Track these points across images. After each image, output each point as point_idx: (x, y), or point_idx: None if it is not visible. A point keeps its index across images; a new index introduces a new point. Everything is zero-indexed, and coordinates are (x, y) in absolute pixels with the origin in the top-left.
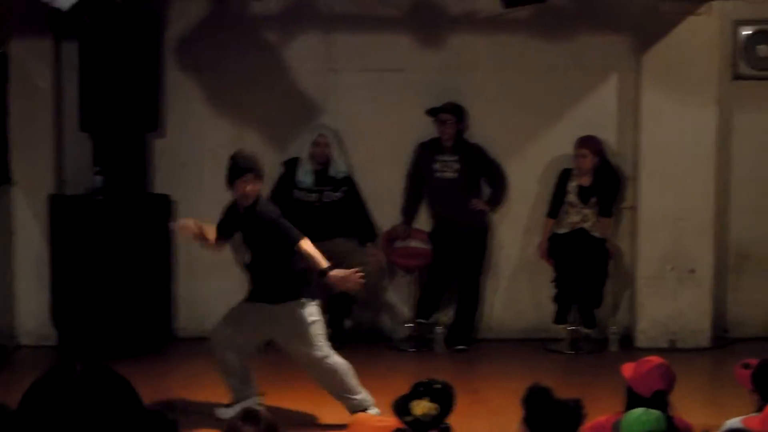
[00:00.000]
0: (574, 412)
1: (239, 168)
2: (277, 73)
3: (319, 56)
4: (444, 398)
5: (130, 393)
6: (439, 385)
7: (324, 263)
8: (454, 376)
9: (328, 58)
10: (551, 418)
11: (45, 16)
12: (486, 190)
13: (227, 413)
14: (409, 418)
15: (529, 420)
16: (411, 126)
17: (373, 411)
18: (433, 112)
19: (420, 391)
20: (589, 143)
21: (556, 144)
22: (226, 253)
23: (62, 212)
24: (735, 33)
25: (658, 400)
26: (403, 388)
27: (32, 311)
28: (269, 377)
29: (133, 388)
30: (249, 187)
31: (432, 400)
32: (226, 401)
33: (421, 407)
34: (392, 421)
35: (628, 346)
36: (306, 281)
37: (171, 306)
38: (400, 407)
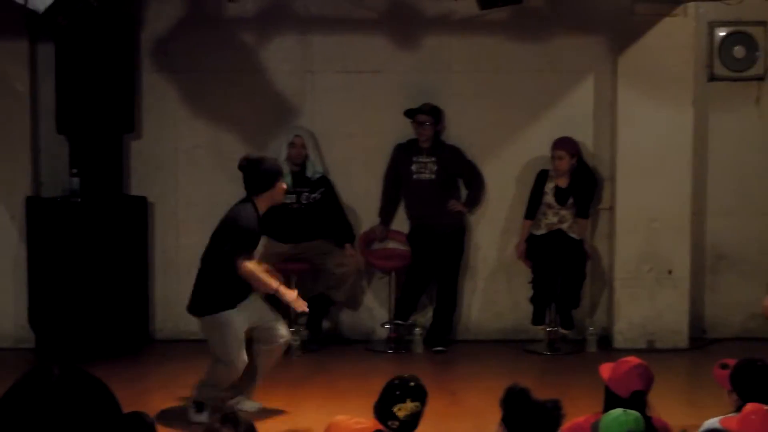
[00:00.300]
0: (552, 412)
1: (275, 172)
2: (253, 74)
3: (295, 58)
4: (421, 394)
5: (107, 396)
6: (413, 383)
7: None
8: (432, 377)
9: (304, 59)
10: (530, 419)
11: (20, 17)
12: (463, 192)
13: (200, 417)
14: (396, 423)
15: (507, 421)
16: (388, 127)
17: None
18: (410, 114)
19: (398, 394)
20: (565, 145)
21: (533, 145)
22: None
23: (39, 215)
24: (710, 34)
25: (637, 401)
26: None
27: (9, 314)
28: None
29: (110, 391)
30: (285, 186)
31: (413, 400)
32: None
33: (405, 409)
34: (370, 423)
35: (606, 346)
36: None
37: (148, 308)
38: (384, 413)
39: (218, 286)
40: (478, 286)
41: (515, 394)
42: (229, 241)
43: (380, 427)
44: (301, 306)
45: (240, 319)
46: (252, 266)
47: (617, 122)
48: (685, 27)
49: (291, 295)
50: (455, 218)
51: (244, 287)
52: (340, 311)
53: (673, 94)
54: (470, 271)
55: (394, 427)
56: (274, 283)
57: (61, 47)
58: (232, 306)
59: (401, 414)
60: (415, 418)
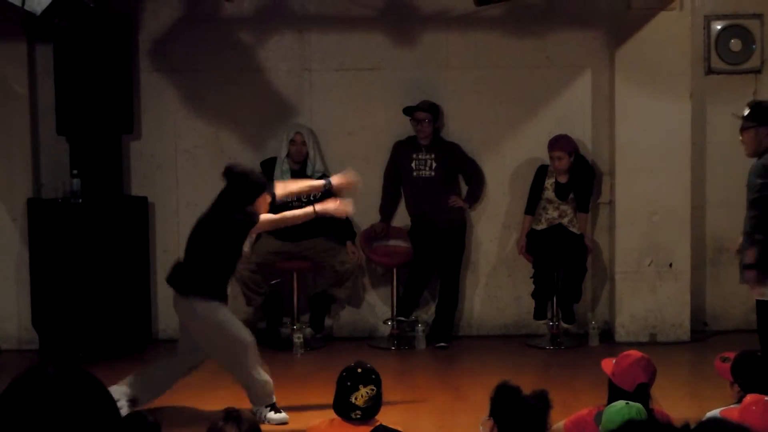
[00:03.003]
0: (543, 411)
1: (262, 184)
2: (251, 73)
3: (293, 56)
4: (371, 377)
5: (103, 394)
6: (360, 369)
7: None
8: (435, 373)
9: (302, 57)
10: (518, 418)
11: (18, 19)
12: (463, 188)
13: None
14: (358, 413)
15: (495, 416)
16: (386, 124)
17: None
18: (408, 111)
19: (349, 385)
20: (562, 145)
21: (532, 140)
22: None
23: (40, 216)
24: (707, 28)
25: (641, 394)
26: (385, 386)
27: (12, 315)
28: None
29: (106, 389)
30: (269, 200)
31: (365, 385)
32: (205, 404)
33: (362, 396)
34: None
35: (608, 340)
36: None
37: (151, 308)
38: (344, 407)
39: (212, 271)
40: (479, 281)
41: (505, 391)
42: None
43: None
44: (345, 209)
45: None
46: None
47: (615, 117)
48: (681, 21)
49: (331, 205)
50: (456, 214)
51: (225, 282)
52: (342, 309)
53: (670, 87)
54: (472, 267)
55: (358, 416)
56: (308, 209)
57: (60, 48)
58: (223, 300)
59: (360, 402)
60: (374, 401)
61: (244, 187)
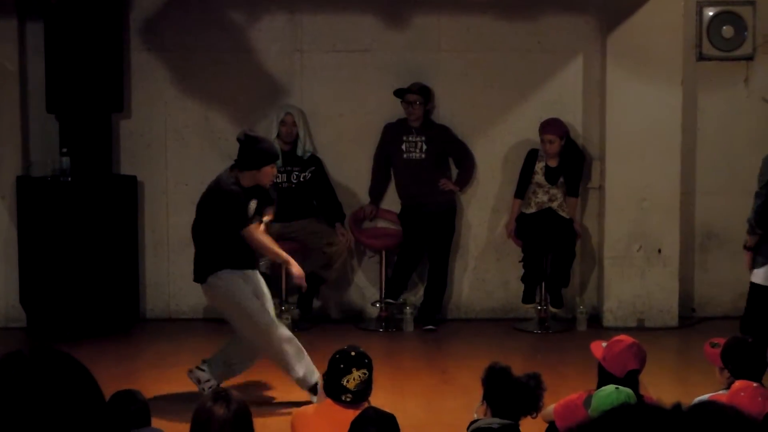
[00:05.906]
0: (534, 391)
1: (268, 154)
2: (243, 54)
3: (285, 37)
4: (364, 361)
5: (82, 374)
6: (353, 352)
7: None
8: (422, 355)
9: (294, 38)
10: (511, 397)
11: None
12: (453, 171)
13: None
14: (349, 396)
15: (489, 398)
16: (378, 107)
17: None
18: (399, 93)
19: (342, 367)
20: (555, 128)
21: (523, 124)
22: None
23: (29, 194)
24: (699, 14)
25: (630, 380)
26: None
27: (0, 293)
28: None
29: (86, 369)
30: (273, 172)
31: (358, 368)
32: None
33: (353, 379)
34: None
35: (596, 325)
36: None
37: (138, 287)
38: (334, 389)
39: (214, 251)
40: (468, 265)
41: (496, 372)
42: (220, 212)
43: (365, 406)
44: (303, 283)
45: (247, 285)
46: (261, 236)
47: (606, 102)
48: (673, 6)
49: (298, 269)
50: (446, 197)
51: (244, 252)
52: (331, 290)
53: (662, 73)
54: (461, 250)
55: (348, 399)
56: (284, 254)
57: (51, 26)
58: (235, 268)
59: (351, 385)
60: (365, 386)
61: (255, 151)
